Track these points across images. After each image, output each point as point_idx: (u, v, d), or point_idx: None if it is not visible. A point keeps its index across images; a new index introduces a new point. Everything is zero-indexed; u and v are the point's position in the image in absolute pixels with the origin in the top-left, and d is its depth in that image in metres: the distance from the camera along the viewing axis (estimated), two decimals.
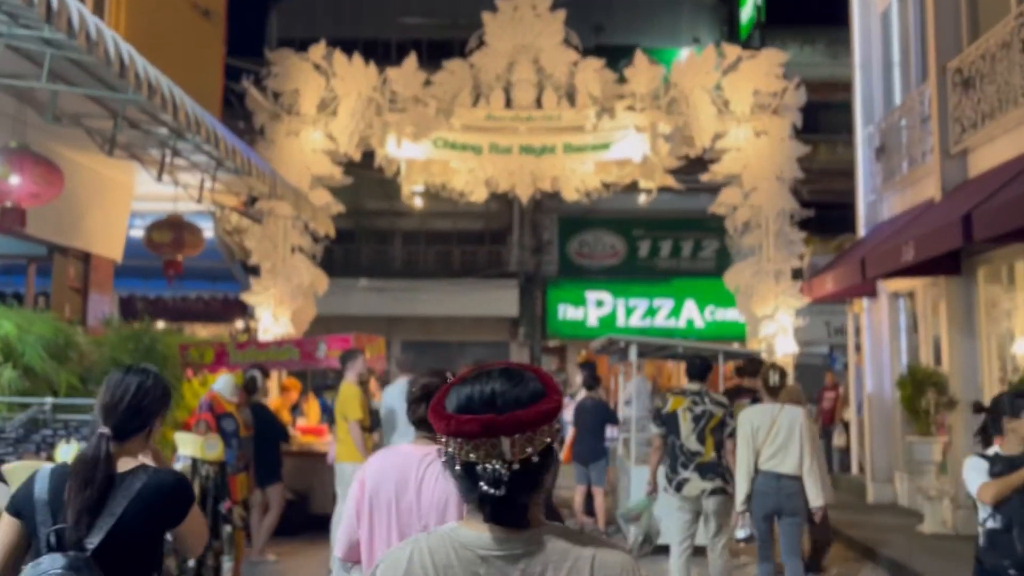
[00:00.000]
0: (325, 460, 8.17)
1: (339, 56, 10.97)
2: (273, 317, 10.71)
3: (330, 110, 10.99)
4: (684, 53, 10.86)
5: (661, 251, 26.50)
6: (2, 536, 2.30)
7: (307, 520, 8.40)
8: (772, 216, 10.67)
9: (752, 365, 8.18)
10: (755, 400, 6.85)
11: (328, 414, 8.99)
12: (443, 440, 1.43)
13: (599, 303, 25.41)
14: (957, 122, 8.61)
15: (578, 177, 11.05)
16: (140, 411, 2.38)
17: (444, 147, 10.72)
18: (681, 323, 25.11)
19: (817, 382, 18.84)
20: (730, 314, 24.34)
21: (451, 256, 27.54)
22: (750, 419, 5.49)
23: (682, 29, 27.13)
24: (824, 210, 12.86)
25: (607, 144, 10.64)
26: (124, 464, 2.33)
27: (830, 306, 21.97)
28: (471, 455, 1.40)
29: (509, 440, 1.39)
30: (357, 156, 11.35)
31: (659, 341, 8.70)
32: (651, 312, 25.50)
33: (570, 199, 11.26)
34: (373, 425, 7.55)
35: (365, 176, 26.71)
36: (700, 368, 5.96)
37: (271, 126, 11.00)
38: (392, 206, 27.22)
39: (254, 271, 11.24)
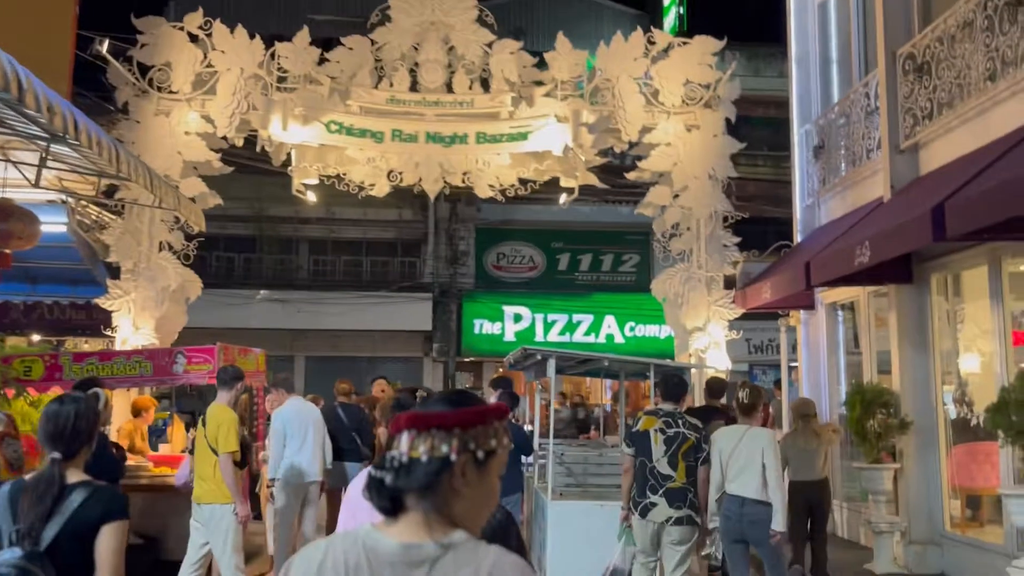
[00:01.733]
0: (181, 495, 6.75)
1: (219, 27, 9.54)
2: (133, 326, 9.14)
3: (208, 87, 9.54)
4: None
5: (581, 264, 25.70)
6: None
7: (156, 568, 6.92)
8: (704, 218, 9.70)
9: (717, 383, 7.28)
10: (730, 420, 6.59)
11: None
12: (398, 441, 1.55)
13: (517, 317, 24.36)
14: (908, 113, 7.77)
15: (492, 171, 9.85)
16: (80, 433, 2.80)
17: (339, 132, 9.39)
18: (601, 338, 24.32)
19: None
20: (651, 330, 23.68)
21: (361, 267, 26.06)
22: (718, 439, 5.48)
23: (604, 37, 26.57)
24: (746, 226, 12.02)
25: (525, 134, 9.49)
26: (72, 476, 2.75)
27: (751, 322, 21.47)
28: (420, 447, 1.51)
29: (408, 435, 1.52)
30: (239, 141, 9.91)
31: (582, 354, 7.57)
32: (570, 327, 24.63)
33: (484, 195, 10.07)
34: (243, 460, 6.15)
35: (267, 179, 25.11)
36: (675, 388, 5.69)
37: (136, 104, 9.47)
38: (297, 212, 25.58)
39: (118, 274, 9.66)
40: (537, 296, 24.41)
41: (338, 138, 9.39)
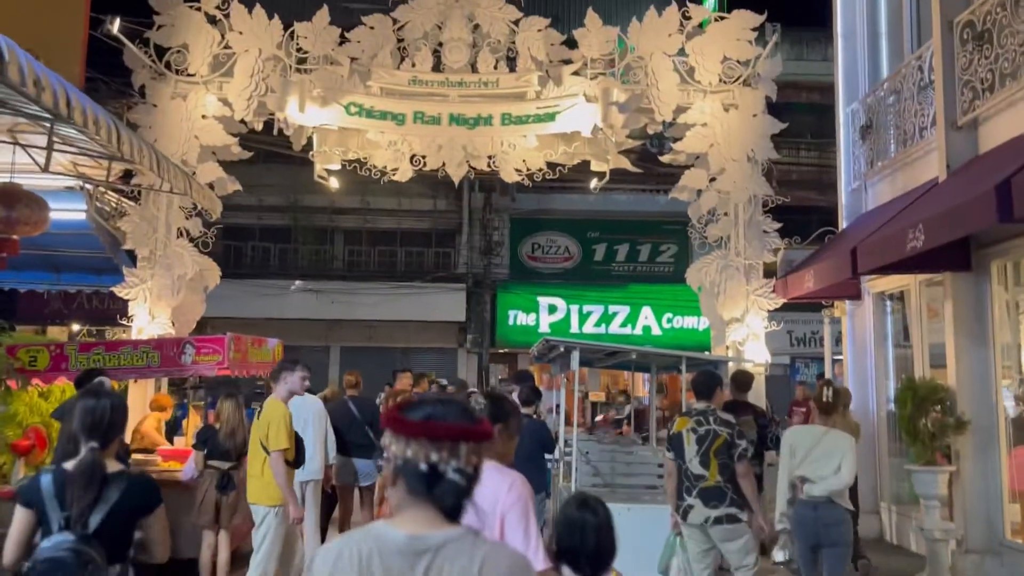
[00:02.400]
0: (190, 490, 6.47)
1: (238, 7, 9.22)
2: (149, 315, 8.89)
3: (225, 70, 9.24)
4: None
5: (617, 255, 25.20)
6: (18, 523, 3.00)
7: (164, 567, 6.66)
8: (742, 202, 9.15)
9: (744, 377, 6.82)
10: (758, 416, 6.62)
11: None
12: (401, 443, 1.69)
13: (552, 308, 23.94)
14: (967, 86, 7.15)
15: (518, 154, 9.41)
16: (115, 424, 3.13)
17: (359, 114, 9.01)
18: (638, 330, 23.83)
19: (781, 396, 17.52)
20: (689, 321, 23.06)
21: (395, 257, 25.82)
22: (791, 439, 5.33)
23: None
24: (788, 214, 11.37)
25: (552, 114, 9.03)
26: (110, 466, 3.06)
27: (792, 313, 20.77)
28: (433, 455, 1.67)
29: (468, 446, 1.69)
30: (258, 125, 9.59)
31: (608, 346, 7.11)
32: (606, 319, 24.16)
33: (510, 180, 9.61)
34: (298, 458, 5.86)
35: (303, 169, 24.96)
36: (706, 384, 5.52)
37: (153, 87, 9.20)
38: (332, 202, 25.43)
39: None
40: (572, 287, 23.95)
41: (358, 120, 9.03)
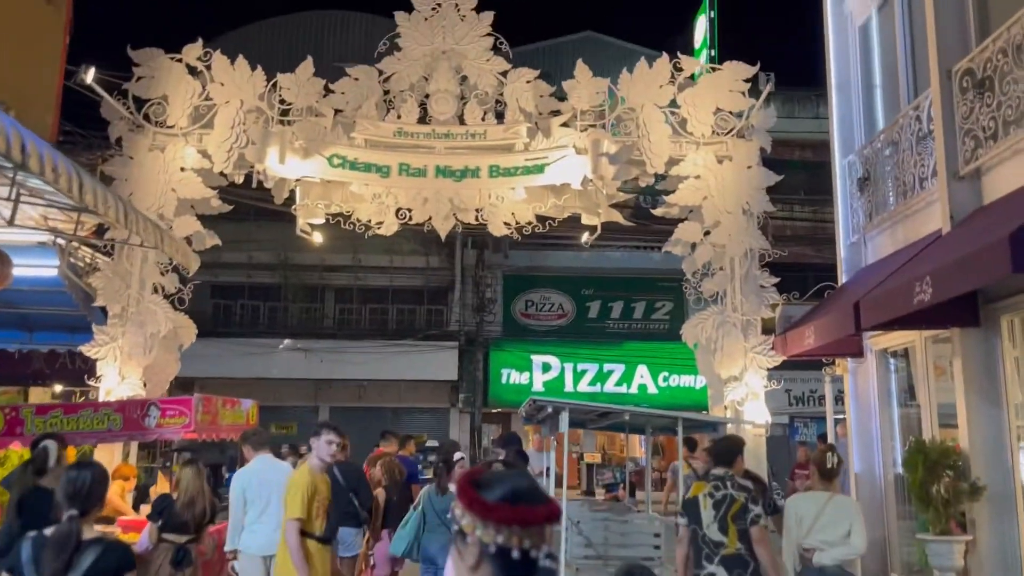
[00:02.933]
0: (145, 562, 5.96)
1: (220, 58, 9.04)
2: (119, 375, 8.47)
3: (205, 121, 9.00)
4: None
5: (612, 312, 24.92)
6: None
7: None
8: (738, 256, 8.85)
9: (727, 443, 6.38)
10: (755, 481, 6.43)
11: None
12: (489, 528, 1.57)
13: (546, 367, 23.53)
14: (968, 135, 6.91)
15: (507, 208, 9.13)
16: (93, 495, 3.30)
17: (342, 166, 8.75)
18: (633, 389, 23.40)
19: (780, 456, 16.99)
20: (686, 380, 22.61)
21: (387, 315, 25.46)
22: (795, 507, 5.30)
23: None
24: (784, 271, 11.06)
25: (541, 166, 8.77)
26: (87, 532, 3.21)
27: (791, 372, 20.32)
28: (526, 541, 1.57)
29: (550, 528, 1.63)
30: (239, 178, 9.32)
31: (598, 406, 6.71)
32: (601, 377, 23.74)
33: (498, 233, 9.32)
34: (329, 532, 5.49)
35: (293, 227, 24.71)
36: (728, 450, 5.47)
37: (130, 139, 8.95)
38: (323, 260, 25.17)
39: None
40: (566, 345, 23.58)
41: (341, 173, 8.76)
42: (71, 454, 6.07)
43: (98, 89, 8.68)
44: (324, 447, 5.40)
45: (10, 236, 9.09)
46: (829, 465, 5.23)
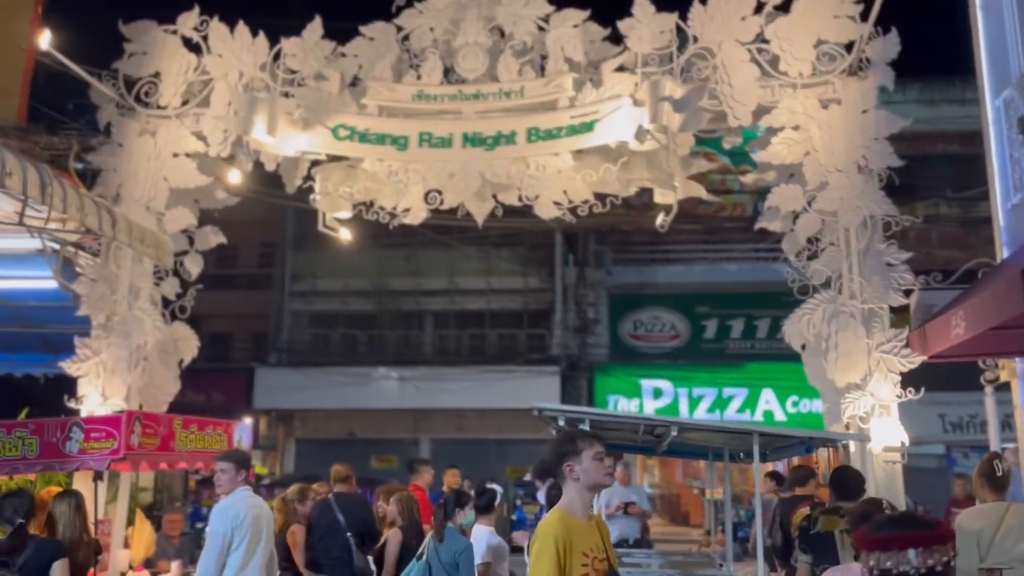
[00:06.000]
0: None
1: (217, 26, 7.79)
2: (101, 394, 7.22)
3: (201, 99, 7.76)
4: None
5: (731, 331, 22.57)
6: None
7: None
8: (854, 226, 6.72)
9: (851, 473, 5.32)
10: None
11: None
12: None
13: (657, 392, 21.38)
14: None
15: (553, 181, 7.38)
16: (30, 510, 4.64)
17: (349, 138, 7.26)
18: (758, 415, 20.92)
19: (933, 493, 14.30)
20: (818, 405, 19.97)
21: (486, 340, 24.06)
22: (967, 525, 4.45)
23: None
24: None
25: (590, 123, 6.98)
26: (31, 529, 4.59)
27: (943, 393, 17.33)
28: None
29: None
30: (247, 165, 8.01)
31: (632, 417, 4.83)
32: (720, 403, 21.38)
33: (547, 215, 7.56)
34: None
35: (389, 253, 23.82)
36: (854, 483, 5.09)
37: (120, 124, 7.80)
38: (419, 284, 24.11)
39: None
40: (680, 368, 21.41)
41: (348, 146, 7.27)
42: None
43: (86, 77, 7.57)
44: (594, 467, 3.23)
45: (5, 243, 8.14)
46: (999, 473, 4.56)
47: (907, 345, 6.53)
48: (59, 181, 5.39)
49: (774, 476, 8.74)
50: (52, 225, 6.40)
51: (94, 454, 5.11)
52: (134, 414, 5.33)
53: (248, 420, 24.02)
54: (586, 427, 4.00)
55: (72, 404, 7.27)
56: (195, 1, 7.87)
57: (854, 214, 6.70)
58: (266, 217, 23.82)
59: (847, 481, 5.12)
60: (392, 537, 6.33)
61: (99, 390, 7.22)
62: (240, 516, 5.05)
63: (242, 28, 7.78)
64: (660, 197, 7.85)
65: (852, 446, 6.37)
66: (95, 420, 5.34)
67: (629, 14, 7.28)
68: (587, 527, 3.11)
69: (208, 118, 7.60)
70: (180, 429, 5.78)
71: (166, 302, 7.79)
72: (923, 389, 6.45)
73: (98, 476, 5.28)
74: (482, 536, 5.67)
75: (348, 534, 6.12)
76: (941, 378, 7.26)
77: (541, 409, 4.36)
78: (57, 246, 7.88)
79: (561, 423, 4.31)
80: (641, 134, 6.60)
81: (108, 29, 7.96)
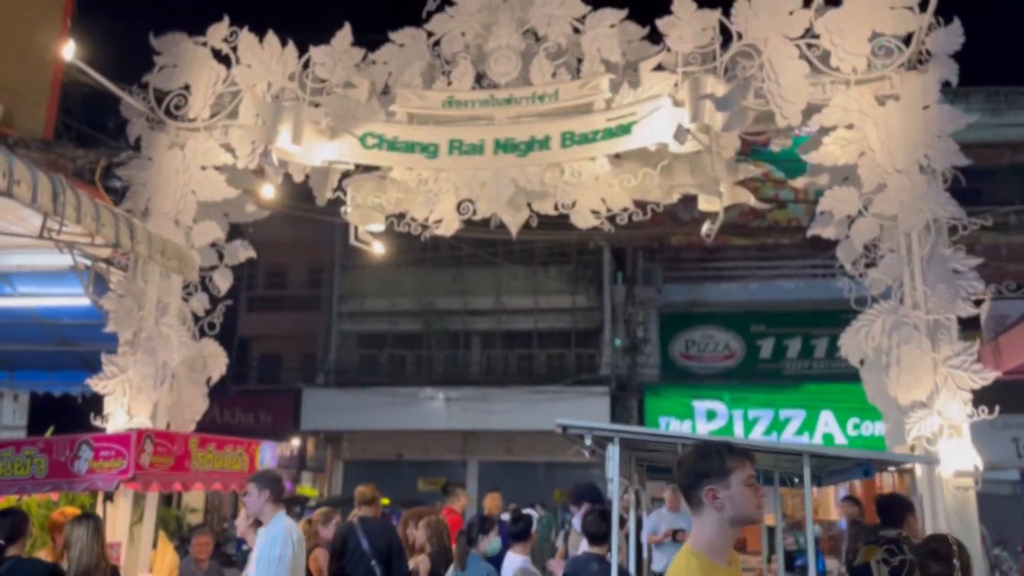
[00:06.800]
0: None
1: (247, 36, 7.65)
2: (127, 413, 7.04)
3: (230, 110, 7.61)
4: None
5: (788, 351, 21.85)
6: None
7: None
8: (916, 231, 6.20)
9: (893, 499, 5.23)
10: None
11: None
12: None
13: (710, 414, 20.74)
14: None
15: (591, 188, 7.02)
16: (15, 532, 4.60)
17: (378, 147, 7.00)
18: (817, 438, 20.10)
19: (1008, 522, 13.51)
20: (880, 428, 19.12)
21: (533, 360, 23.69)
22: None
23: None
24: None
25: (627, 126, 6.60)
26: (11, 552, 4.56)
27: (1018, 416, 16.39)
28: None
29: None
30: (276, 177, 7.82)
31: (659, 433, 4.40)
32: (777, 425, 20.63)
33: (584, 224, 7.19)
34: None
35: (435, 272, 23.66)
36: (895, 508, 5.04)
37: (150, 138, 7.68)
38: (467, 304, 23.89)
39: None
40: (735, 389, 20.76)
41: (376, 155, 7.02)
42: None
43: (118, 91, 7.48)
44: (745, 494, 2.58)
45: (41, 260, 8.08)
46: None
47: (978, 359, 5.98)
48: (73, 191, 5.23)
49: (855, 501, 8.22)
50: (73, 239, 6.28)
51: (103, 474, 4.90)
52: (144, 432, 5.11)
53: (295, 440, 24.01)
54: (616, 446, 3.59)
55: (98, 422, 7.11)
56: (225, 13, 7.74)
57: (916, 217, 6.18)
58: (315, 238, 23.94)
59: (890, 506, 5.08)
60: (421, 564, 6.00)
61: (125, 408, 7.03)
62: (291, 545, 4.82)
63: (271, 38, 7.62)
64: (705, 204, 7.42)
65: (918, 470, 5.83)
66: (105, 438, 5.14)
67: (668, 12, 6.91)
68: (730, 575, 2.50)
69: (236, 129, 7.43)
70: (196, 448, 5.55)
71: (196, 318, 7.63)
72: (997, 409, 5.89)
73: (107, 497, 5.05)
74: (513, 563, 5.32)
75: (373, 561, 5.79)
76: (1014, 398, 6.69)
77: (565, 426, 3.98)
78: (89, 262, 7.79)
79: (588, 442, 3.93)
80: (681, 134, 6.19)
81: (140, 43, 7.88)
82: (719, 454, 2.55)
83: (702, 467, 2.54)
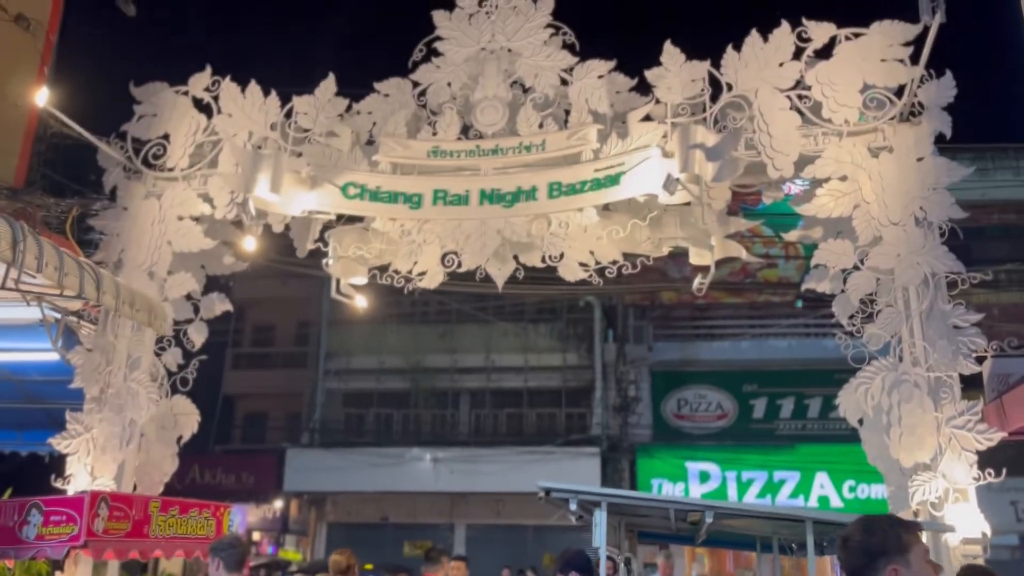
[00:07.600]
0: None
1: (228, 86, 7.51)
2: (90, 474, 6.68)
3: (209, 160, 7.43)
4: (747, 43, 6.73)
5: (781, 411, 21.53)
6: None
7: None
8: (914, 285, 6.00)
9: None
10: None
11: None
12: None
13: (704, 476, 20.30)
14: None
15: (578, 240, 6.82)
16: None
17: (359, 197, 6.81)
18: (812, 501, 19.65)
19: None
20: (877, 491, 18.68)
21: (523, 419, 23.26)
22: None
23: None
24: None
25: (615, 176, 6.43)
26: None
27: (1016, 479, 16.08)
28: None
29: None
30: (256, 228, 7.61)
31: (653, 498, 4.07)
32: (771, 487, 20.19)
33: (572, 277, 6.97)
34: None
35: (423, 329, 23.33)
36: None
37: (126, 187, 7.49)
38: (455, 362, 23.56)
39: None
40: (728, 450, 20.37)
41: (358, 205, 6.81)
42: None
43: (94, 141, 7.31)
44: (926, 572, 2.44)
45: (8, 313, 7.79)
46: None
47: (983, 419, 5.71)
48: (36, 238, 5.00)
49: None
50: (43, 291, 6.02)
51: (52, 540, 4.54)
52: (99, 495, 4.78)
53: (278, 502, 23.33)
54: (603, 511, 3.30)
55: (59, 484, 6.74)
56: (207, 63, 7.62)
57: (913, 271, 5.99)
58: (303, 295, 23.67)
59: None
60: None
61: (88, 468, 6.68)
62: None
63: (254, 87, 7.48)
64: (696, 258, 7.22)
65: (923, 537, 5.51)
66: (56, 501, 4.80)
67: (657, 63, 6.81)
68: None
69: (215, 178, 7.24)
70: (157, 512, 5.20)
71: (170, 374, 7.32)
72: (1004, 472, 5.61)
73: (57, 566, 4.70)
74: None
75: None
76: (1012, 460, 6.42)
77: (549, 489, 3.68)
78: (58, 315, 7.51)
79: (573, 507, 3.63)
80: (671, 184, 6.02)
81: (120, 92, 7.74)
82: (893, 528, 2.31)
83: (877, 544, 2.27)
